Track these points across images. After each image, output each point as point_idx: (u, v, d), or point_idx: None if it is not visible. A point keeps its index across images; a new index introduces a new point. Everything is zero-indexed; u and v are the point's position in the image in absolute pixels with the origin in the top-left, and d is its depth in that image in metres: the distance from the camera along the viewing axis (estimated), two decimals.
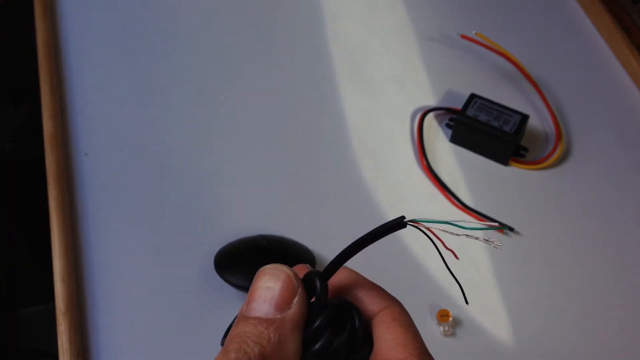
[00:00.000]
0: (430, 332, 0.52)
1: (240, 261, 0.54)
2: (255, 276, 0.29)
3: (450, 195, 0.59)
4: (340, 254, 0.29)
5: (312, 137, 0.65)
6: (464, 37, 0.68)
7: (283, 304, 0.27)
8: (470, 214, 0.58)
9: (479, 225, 0.27)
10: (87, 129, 0.64)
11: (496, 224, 0.28)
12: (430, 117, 0.65)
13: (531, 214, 0.59)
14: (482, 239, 0.28)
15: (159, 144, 0.64)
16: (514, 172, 0.62)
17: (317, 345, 0.28)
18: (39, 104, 0.64)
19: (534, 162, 0.62)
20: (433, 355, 0.28)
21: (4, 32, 0.97)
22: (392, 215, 0.60)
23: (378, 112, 0.66)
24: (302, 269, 0.31)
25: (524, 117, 0.61)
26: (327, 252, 0.55)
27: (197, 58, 0.70)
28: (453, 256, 0.28)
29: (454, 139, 0.63)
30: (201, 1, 0.75)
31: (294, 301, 0.28)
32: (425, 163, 0.61)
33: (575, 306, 0.54)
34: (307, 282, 0.29)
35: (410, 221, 0.29)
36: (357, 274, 0.31)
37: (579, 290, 0.55)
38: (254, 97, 0.67)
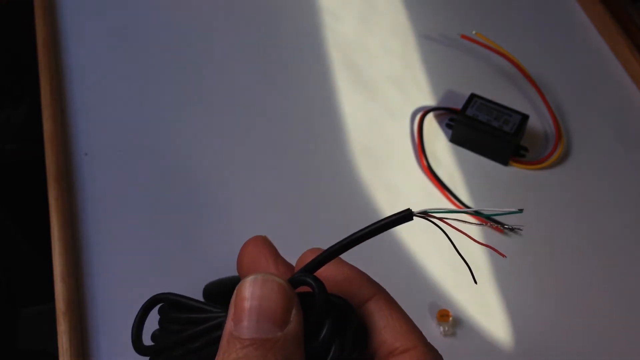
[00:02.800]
0: (430, 332, 0.52)
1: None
2: (239, 287, 0.25)
3: (450, 195, 0.59)
4: (331, 248, 0.27)
5: (311, 137, 0.65)
6: (464, 37, 0.68)
7: (282, 318, 0.24)
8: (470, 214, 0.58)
9: (494, 212, 0.25)
10: (87, 129, 0.64)
11: (513, 209, 0.26)
12: (430, 117, 0.65)
13: (531, 214, 0.59)
14: (497, 227, 0.26)
15: (159, 144, 0.64)
16: (514, 172, 0.62)
17: (329, 359, 0.25)
18: (39, 104, 0.64)
19: (534, 162, 0.62)
20: None
21: (4, 32, 0.97)
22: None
23: (378, 112, 0.66)
24: (311, 255, 0.27)
25: (524, 117, 0.61)
26: None
27: (197, 58, 0.70)
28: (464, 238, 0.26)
29: (454, 139, 0.63)
30: (201, 1, 0.75)
31: (292, 313, 0.24)
32: (425, 163, 0.61)
33: (575, 306, 0.54)
34: (294, 285, 0.26)
35: (420, 213, 0.26)
36: (339, 259, 0.28)
37: (578, 290, 0.55)
38: (253, 98, 0.67)
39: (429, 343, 0.27)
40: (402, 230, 0.58)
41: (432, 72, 0.69)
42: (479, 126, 0.61)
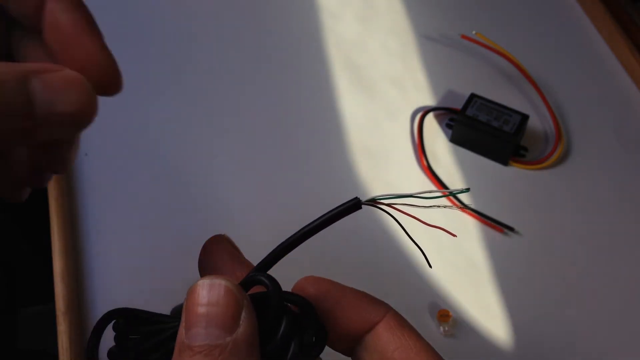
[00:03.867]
0: (430, 332, 0.52)
1: None
2: (189, 292, 0.25)
3: (450, 195, 0.60)
4: (283, 243, 0.26)
5: (311, 138, 0.65)
6: (464, 37, 0.68)
7: (231, 323, 0.24)
8: (469, 213, 0.58)
9: (441, 194, 0.27)
10: (87, 129, 0.64)
11: (457, 189, 0.28)
12: (430, 117, 0.65)
13: (531, 214, 0.59)
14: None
15: (160, 144, 0.64)
16: (514, 172, 0.62)
17: (289, 356, 0.25)
18: None
19: (534, 162, 0.62)
20: None
21: None
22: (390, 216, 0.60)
23: (378, 112, 0.66)
24: (305, 282, 0.28)
25: (524, 117, 0.61)
26: (322, 255, 0.55)
27: (196, 58, 0.70)
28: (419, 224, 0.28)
29: (454, 139, 0.63)
30: (200, 2, 0.75)
31: (242, 316, 0.24)
32: (425, 163, 0.61)
33: (575, 306, 0.54)
34: (248, 285, 0.25)
35: (368, 201, 0.26)
36: (337, 283, 0.29)
37: (579, 290, 0.55)
38: (252, 98, 0.67)
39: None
40: (401, 230, 0.58)
41: (432, 72, 0.69)
42: (479, 126, 0.61)
